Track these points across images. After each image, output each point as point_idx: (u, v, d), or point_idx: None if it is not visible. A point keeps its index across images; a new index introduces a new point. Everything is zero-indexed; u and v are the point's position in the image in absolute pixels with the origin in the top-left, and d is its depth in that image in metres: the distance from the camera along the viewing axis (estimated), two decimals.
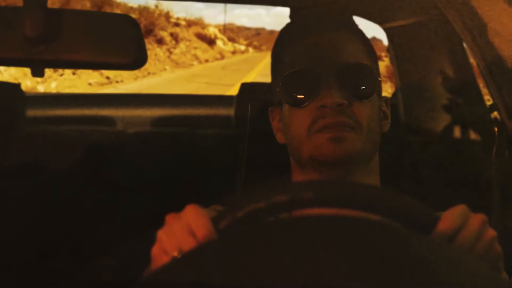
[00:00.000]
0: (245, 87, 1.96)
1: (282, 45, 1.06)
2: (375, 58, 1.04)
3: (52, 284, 1.51)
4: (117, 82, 13.15)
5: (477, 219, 0.70)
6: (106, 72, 13.26)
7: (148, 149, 1.83)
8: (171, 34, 22.52)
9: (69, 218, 1.63)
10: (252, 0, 1.94)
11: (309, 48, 0.98)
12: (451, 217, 0.68)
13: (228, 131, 1.98)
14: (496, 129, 1.19)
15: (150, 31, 19.90)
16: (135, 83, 13.50)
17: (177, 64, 19.81)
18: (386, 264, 0.55)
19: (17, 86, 1.79)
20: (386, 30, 1.92)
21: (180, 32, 24.22)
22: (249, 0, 1.94)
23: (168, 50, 20.79)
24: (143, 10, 21.32)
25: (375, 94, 0.97)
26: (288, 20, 1.20)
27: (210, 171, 1.72)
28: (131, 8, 20.91)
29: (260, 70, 19.44)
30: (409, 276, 0.54)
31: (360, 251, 0.56)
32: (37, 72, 1.03)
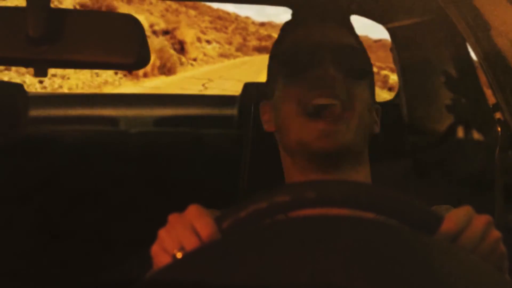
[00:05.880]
0: (248, 87, 1.96)
1: (282, 37, 1.10)
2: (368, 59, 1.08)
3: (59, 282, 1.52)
4: None
5: (481, 220, 0.70)
6: None
7: (151, 149, 1.83)
8: None
9: (71, 218, 1.63)
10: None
11: (307, 33, 1.03)
12: (455, 217, 0.68)
13: (231, 131, 1.98)
14: (499, 129, 1.19)
15: None
16: None
17: None
18: (389, 264, 0.55)
19: (20, 86, 1.79)
20: (390, 30, 1.91)
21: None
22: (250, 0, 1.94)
23: None
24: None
25: (368, 79, 1.01)
26: None
27: (212, 171, 1.72)
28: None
29: None
30: (412, 276, 0.54)
31: (363, 251, 0.56)
32: (40, 72, 1.03)
